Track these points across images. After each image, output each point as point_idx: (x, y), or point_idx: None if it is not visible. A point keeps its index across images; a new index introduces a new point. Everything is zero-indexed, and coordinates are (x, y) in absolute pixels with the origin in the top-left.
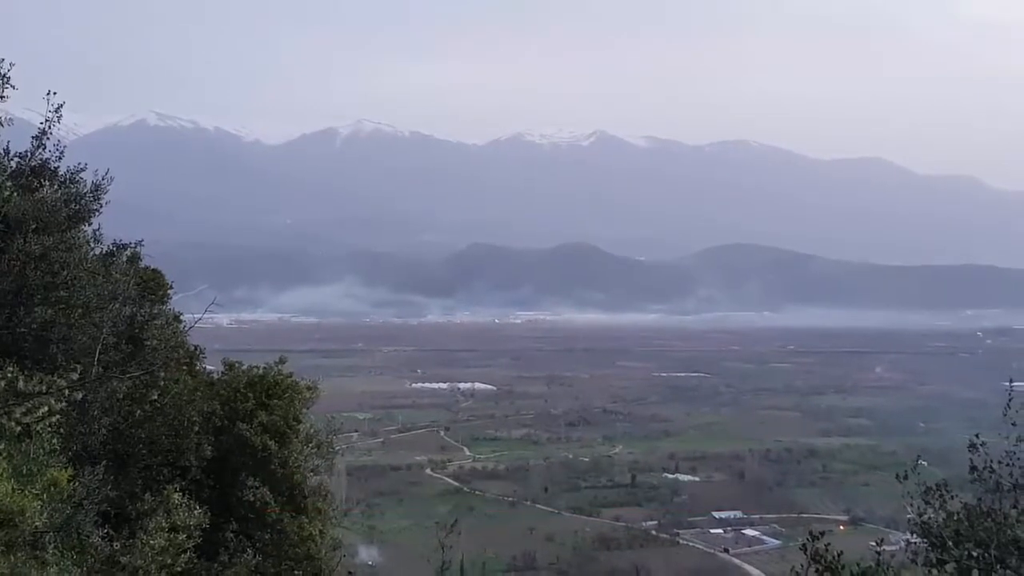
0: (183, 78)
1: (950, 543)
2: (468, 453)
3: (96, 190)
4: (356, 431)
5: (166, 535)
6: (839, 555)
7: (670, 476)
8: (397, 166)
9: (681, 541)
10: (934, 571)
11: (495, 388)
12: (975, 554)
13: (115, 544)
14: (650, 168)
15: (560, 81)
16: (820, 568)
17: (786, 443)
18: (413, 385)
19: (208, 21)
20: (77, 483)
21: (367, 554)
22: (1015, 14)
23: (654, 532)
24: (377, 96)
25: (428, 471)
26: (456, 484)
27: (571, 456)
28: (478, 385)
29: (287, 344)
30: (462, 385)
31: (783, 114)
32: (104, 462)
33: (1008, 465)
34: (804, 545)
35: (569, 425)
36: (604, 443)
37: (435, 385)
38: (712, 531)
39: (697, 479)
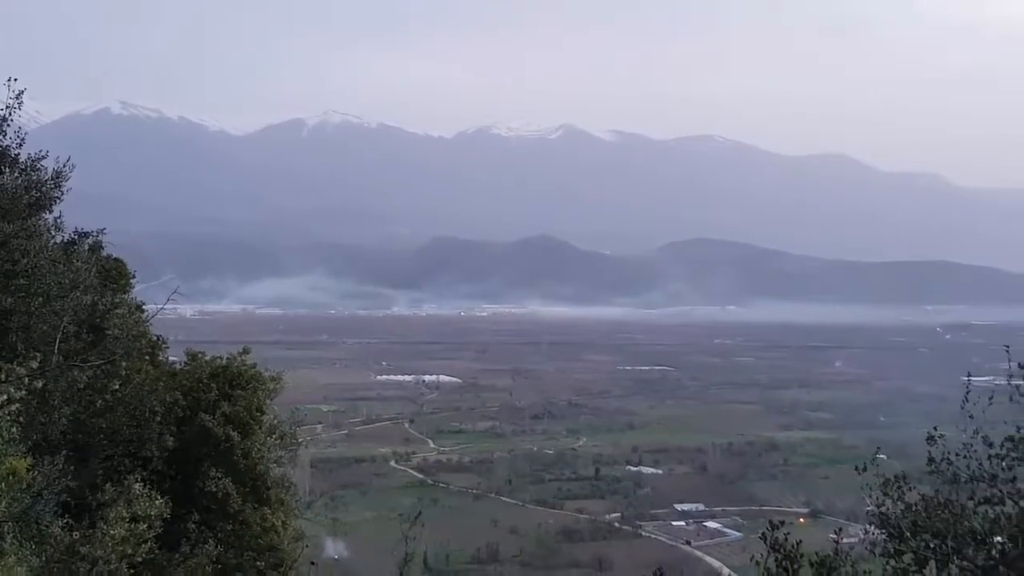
0: (147, 67)
1: (908, 534)
2: (433, 445)
3: (57, 177)
4: (320, 423)
5: (127, 525)
6: (798, 544)
7: (633, 469)
8: (364, 158)
9: (643, 533)
10: (892, 561)
11: (460, 381)
12: (932, 545)
13: (75, 534)
14: (616, 162)
15: (527, 75)
16: (779, 557)
17: (748, 436)
18: (378, 377)
19: (171, 10)
20: (37, 473)
21: (332, 547)
22: (978, 15)
23: (617, 524)
24: (344, 88)
25: (392, 463)
26: (420, 476)
27: (535, 449)
28: (443, 377)
29: (251, 336)
30: (427, 377)
31: (749, 110)
32: (64, 452)
33: (965, 457)
34: (764, 534)
35: (534, 418)
36: (568, 436)
37: (400, 377)
38: (674, 523)
39: (660, 472)
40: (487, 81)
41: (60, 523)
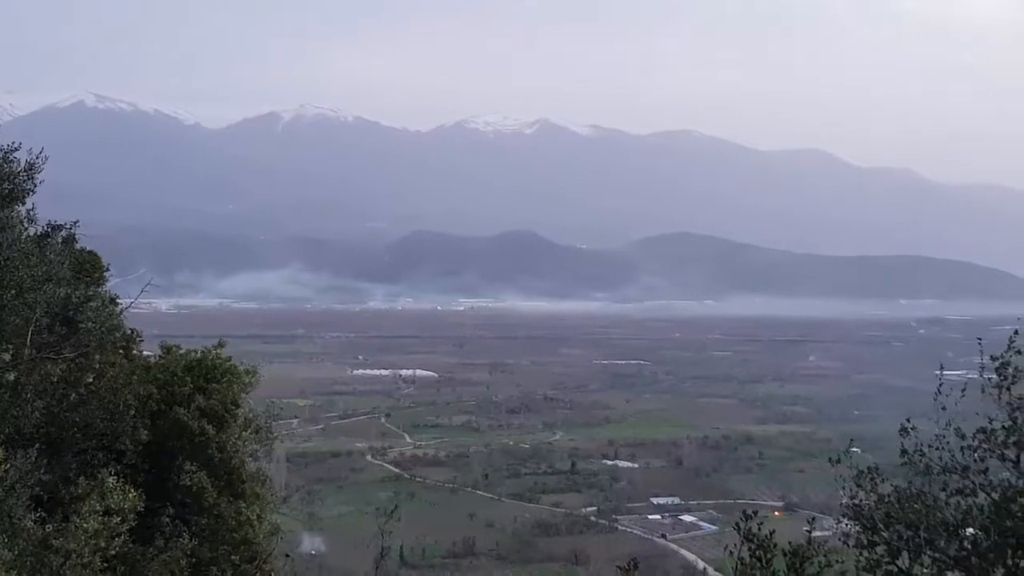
0: (122, 59)
1: (880, 525)
2: (409, 440)
3: (30, 169)
4: (296, 418)
5: (100, 518)
6: (771, 534)
7: (609, 463)
8: (341, 151)
9: (619, 527)
10: (865, 552)
11: (437, 375)
12: (905, 536)
13: (48, 527)
14: (594, 157)
15: (505, 69)
16: (753, 547)
17: (723, 430)
18: (354, 372)
19: (146, 1)
20: (9, 466)
21: (308, 542)
22: (952, 13)
23: (593, 518)
24: (319, 81)
25: (369, 458)
26: (397, 471)
27: (512, 443)
28: (420, 372)
29: (227, 330)
30: (404, 372)
31: (727, 106)
32: (37, 445)
33: (938, 449)
34: (737, 524)
35: (510, 412)
36: (545, 430)
37: (377, 372)
38: (650, 517)
39: (636, 466)
40: (465, 75)
41: (33, 517)
